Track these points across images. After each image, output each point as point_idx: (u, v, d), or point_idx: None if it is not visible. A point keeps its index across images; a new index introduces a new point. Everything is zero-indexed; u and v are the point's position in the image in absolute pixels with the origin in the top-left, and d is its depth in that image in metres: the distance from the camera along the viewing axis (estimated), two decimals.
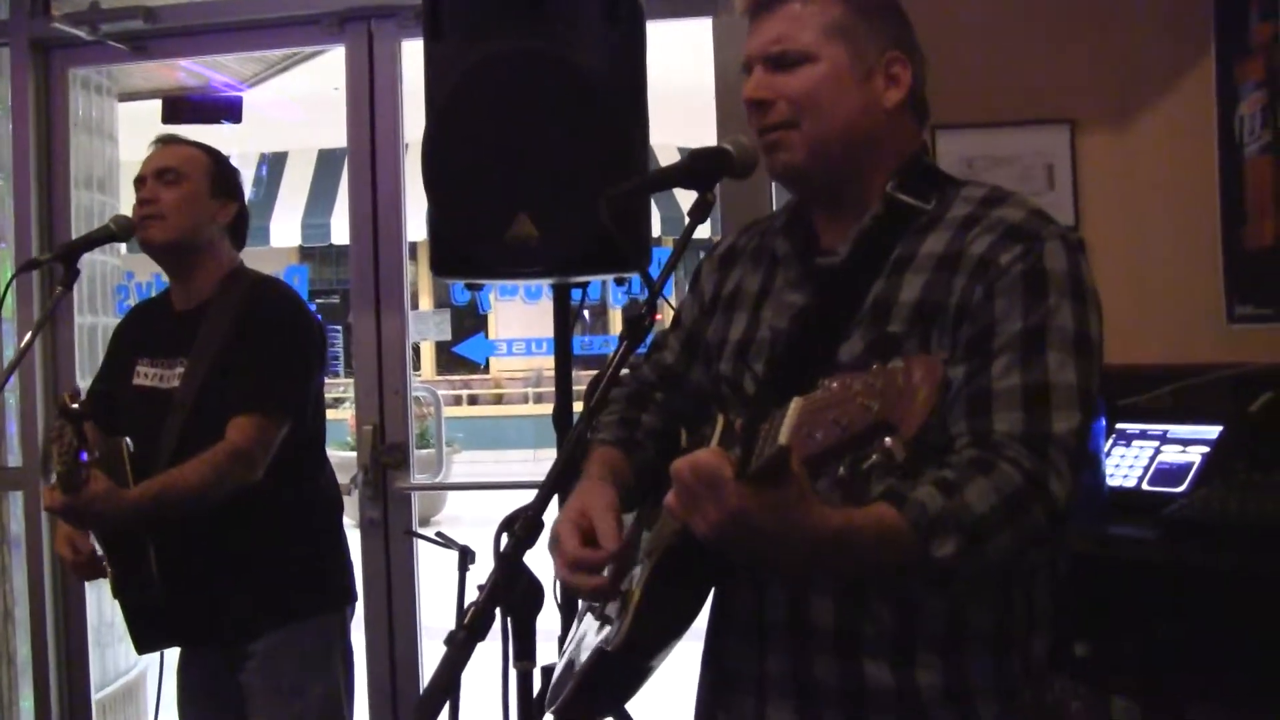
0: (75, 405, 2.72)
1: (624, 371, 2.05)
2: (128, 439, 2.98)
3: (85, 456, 2.74)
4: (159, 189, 3.09)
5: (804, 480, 1.46)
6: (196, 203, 3.11)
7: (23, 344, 3.26)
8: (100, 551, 3.02)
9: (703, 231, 1.96)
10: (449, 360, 19.58)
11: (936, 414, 1.34)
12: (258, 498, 2.98)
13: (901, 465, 1.36)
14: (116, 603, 3.10)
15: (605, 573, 1.83)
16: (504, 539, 1.67)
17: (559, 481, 1.69)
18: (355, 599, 3.31)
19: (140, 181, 3.14)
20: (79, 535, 3.02)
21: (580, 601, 2.15)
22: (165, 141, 3.22)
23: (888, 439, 1.33)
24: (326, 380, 3.31)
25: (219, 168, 3.20)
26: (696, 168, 1.85)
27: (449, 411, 11.90)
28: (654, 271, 2.03)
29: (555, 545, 1.86)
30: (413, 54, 4.03)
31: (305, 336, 3.14)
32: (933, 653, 1.79)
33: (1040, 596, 1.86)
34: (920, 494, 1.61)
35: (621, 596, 1.89)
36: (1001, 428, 1.70)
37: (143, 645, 3.10)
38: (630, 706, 2.07)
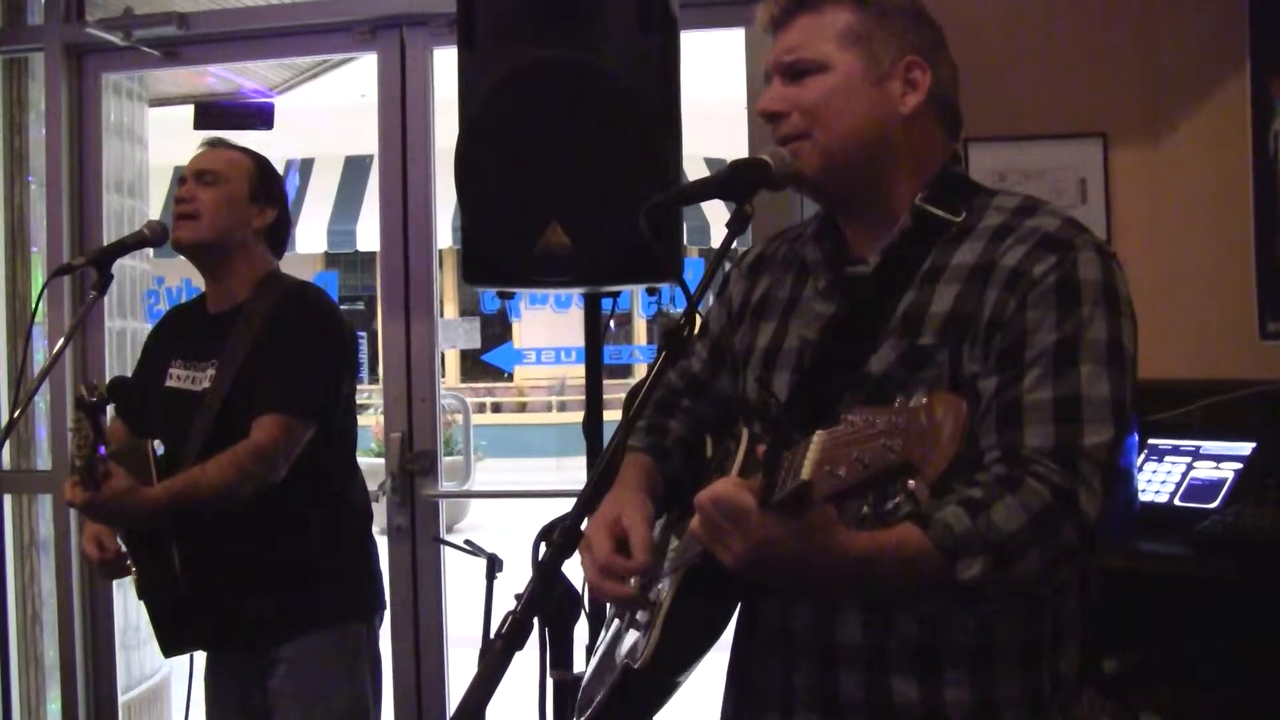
0: (93, 398, 2.72)
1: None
2: (154, 440, 2.99)
3: (103, 450, 2.74)
4: (197, 189, 3.12)
5: (829, 509, 1.47)
6: (233, 205, 3.13)
7: (55, 350, 3.26)
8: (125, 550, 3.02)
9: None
10: (472, 368, 19.63)
11: (960, 455, 1.33)
12: (287, 502, 2.99)
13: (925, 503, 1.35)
14: (143, 605, 3.11)
15: (634, 582, 1.83)
16: (542, 548, 1.67)
17: (597, 492, 1.69)
18: (384, 607, 3.31)
19: (182, 181, 3.17)
20: (107, 533, 3.02)
21: (608, 609, 2.15)
22: (212, 144, 3.25)
23: (911, 481, 1.32)
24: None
25: (261, 173, 3.22)
26: (736, 179, 1.83)
27: (473, 419, 11.90)
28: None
29: (587, 549, 1.86)
30: (443, 61, 4.05)
31: (333, 340, 3.15)
32: (960, 668, 1.78)
33: (1070, 613, 1.85)
34: (946, 514, 1.60)
35: (649, 609, 1.89)
36: (1032, 442, 1.68)
37: (169, 648, 3.11)
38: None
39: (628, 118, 2.98)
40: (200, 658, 3.23)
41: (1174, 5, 3.42)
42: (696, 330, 2.22)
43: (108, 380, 2.98)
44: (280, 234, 3.27)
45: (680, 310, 1.73)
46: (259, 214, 3.18)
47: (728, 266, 2.21)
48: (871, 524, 1.66)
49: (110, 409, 3.03)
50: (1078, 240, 1.77)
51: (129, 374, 3.43)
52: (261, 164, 3.24)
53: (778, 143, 1.88)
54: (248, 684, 3.16)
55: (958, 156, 1.95)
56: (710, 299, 2.24)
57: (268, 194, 3.21)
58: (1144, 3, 3.47)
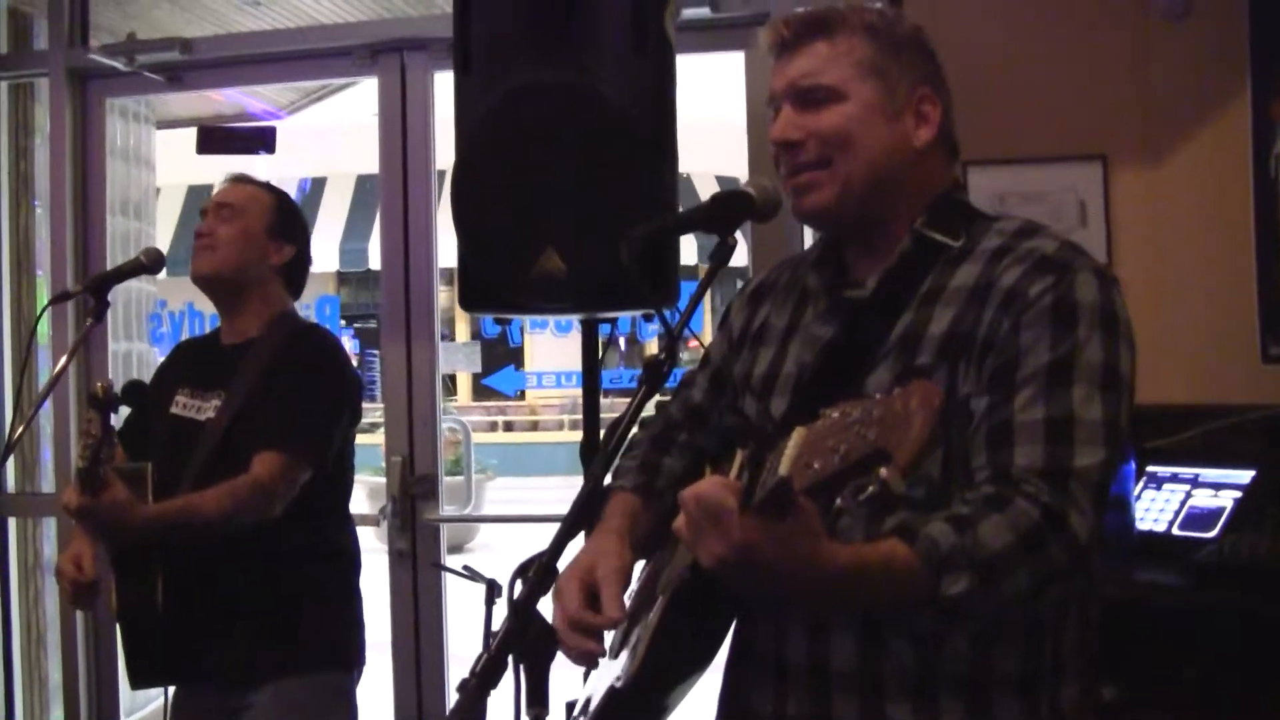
0: (105, 396, 2.72)
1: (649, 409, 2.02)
2: (151, 465, 2.98)
3: (105, 448, 2.71)
4: (216, 223, 3.13)
5: (813, 514, 1.45)
6: (249, 240, 3.13)
7: (55, 370, 3.27)
8: (105, 576, 2.95)
9: (740, 258, 1.92)
10: (485, 387, 19.62)
11: (935, 442, 1.31)
12: (278, 542, 2.96)
13: (901, 496, 1.34)
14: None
15: (602, 638, 1.81)
16: (518, 586, 1.65)
17: (573, 529, 1.67)
18: (364, 663, 3.21)
19: (202, 214, 3.18)
20: (88, 557, 2.95)
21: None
22: (235, 180, 3.24)
23: (883, 469, 1.30)
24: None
25: (281, 209, 3.22)
26: (718, 212, 1.84)
27: (484, 438, 11.90)
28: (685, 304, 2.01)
29: (558, 598, 1.84)
30: (443, 85, 4.05)
31: (341, 385, 3.15)
32: (955, 696, 1.76)
33: (1069, 644, 1.82)
34: (932, 530, 1.58)
35: (640, 629, 1.87)
36: (1022, 462, 1.67)
37: (138, 679, 3.04)
38: None
39: (622, 142, 2.96)
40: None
41: (1173, 28, 3.40)
42: (700, 360, 2.21)
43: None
44: (299, 272, 3.26)
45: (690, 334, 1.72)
46: (276, 250, 3.17)
47: (718, 296, 2.19)
48: (845, 515, 1.66)
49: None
50: (1076, 262, 1.76)
51: None
52: (282, 200, 3.24)
53: (792, 171, 1.88)
54: None
55: (959, 183, 1.95)
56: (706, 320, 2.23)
57: (286, 231, 3.20)
58: (1143, 25, 3.46)
